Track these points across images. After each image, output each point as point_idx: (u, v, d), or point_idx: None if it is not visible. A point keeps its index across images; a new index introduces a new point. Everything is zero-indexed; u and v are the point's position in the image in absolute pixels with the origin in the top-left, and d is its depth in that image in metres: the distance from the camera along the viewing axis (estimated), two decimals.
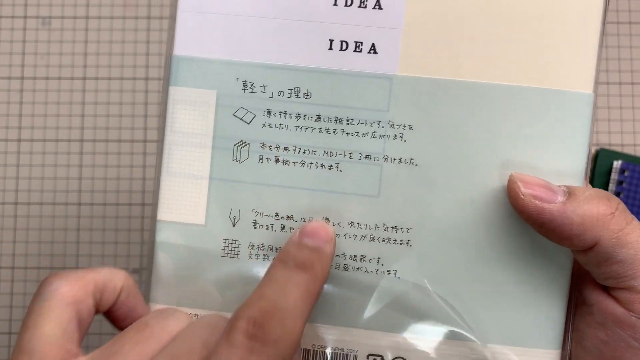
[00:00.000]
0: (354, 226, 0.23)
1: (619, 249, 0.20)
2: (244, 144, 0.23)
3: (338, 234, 0.23)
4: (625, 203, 0.44)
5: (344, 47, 0.22)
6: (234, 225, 0.23)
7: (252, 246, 0.23)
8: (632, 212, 0.44)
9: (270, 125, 0.23)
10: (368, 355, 0.23)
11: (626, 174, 0.44)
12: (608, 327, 0.21)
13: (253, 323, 0.18)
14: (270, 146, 0.23)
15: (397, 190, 0.22)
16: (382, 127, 0.22)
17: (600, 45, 0.22)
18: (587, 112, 0.22)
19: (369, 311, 0.23)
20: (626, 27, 0.47)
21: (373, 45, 0.22)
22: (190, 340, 0.20)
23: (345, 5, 0.22)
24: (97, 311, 0.22)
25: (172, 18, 0.23)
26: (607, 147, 0.46)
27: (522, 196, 0.21)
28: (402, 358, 0.23)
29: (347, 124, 0.22)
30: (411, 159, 0.22)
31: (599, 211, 0.20)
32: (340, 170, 0.22)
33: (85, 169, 0.47)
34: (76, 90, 0.47)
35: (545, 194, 0.21)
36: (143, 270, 0.46)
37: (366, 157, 0.22)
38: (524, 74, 0.22)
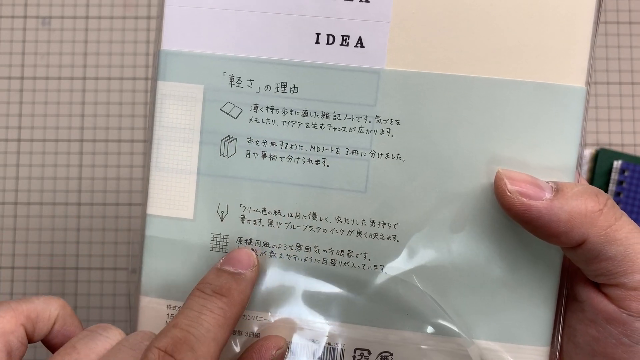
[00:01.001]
0: (341, 221, 0.22)
1: (608, 245, 0.20)
2: (231, 139, 0.23)
3: (325, 229, 0.22)
4: (625, 203, 0.44)
5: (330, 41, 0.22)
6: (222, 220, 0.23)
7: (240, 241, 0.23)
8: (632, 212, 0.44)
9: (257, 120, 0.23)
10: (355, 350, 0.23)
11: (626, 174, 0.44)
12: (599, 324, 0.21)
13: (164, 352, 0.19)
14: (257, 141, 0.23)
15: (384, 186, 0.22)
16: (369, 122, 0.22)
17: (594, 39, 0.22)
18: (579, 106, 0.22)
19: (356, 306, 0.23)
20: (626, 27, 0.47)
21: (360, 39, 0.22)
22: None
23: None
24: (30, 340, 0.23)
25: (160, 13, 0.23)
26: (607, 147, 0.46)
27: (508, 193, 0.21)
28: (389, 352, 0.22)
29: (334, 118, 0.22)
30: (398, 154, 0.22)
31: (587, 208, 0.20)
32: (328, 166, 0.22)
33: (85, 169, 0.47)
34: (76, 90, 0.47)
35: (532, 190, 0.20)
36: None
37: (353, 152, 0.22)
38: (514, 68, 0.21)
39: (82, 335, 0.22)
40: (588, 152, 0.46)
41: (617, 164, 0.45)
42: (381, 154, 0.22)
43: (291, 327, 0.22)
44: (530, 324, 0.22)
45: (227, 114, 0.23)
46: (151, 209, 0.24)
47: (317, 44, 0.22)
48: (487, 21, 0.21)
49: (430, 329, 0.22)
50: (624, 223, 0.20)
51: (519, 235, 0.22)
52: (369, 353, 0.23)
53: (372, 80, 0.22)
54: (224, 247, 0.23)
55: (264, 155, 0.23)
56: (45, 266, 0.46)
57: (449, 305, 0.22)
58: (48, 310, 0.23)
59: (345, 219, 0.22)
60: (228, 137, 0.23)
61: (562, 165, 0.22)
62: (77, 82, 0.47)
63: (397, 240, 0.22)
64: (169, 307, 0.24)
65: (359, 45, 0.22)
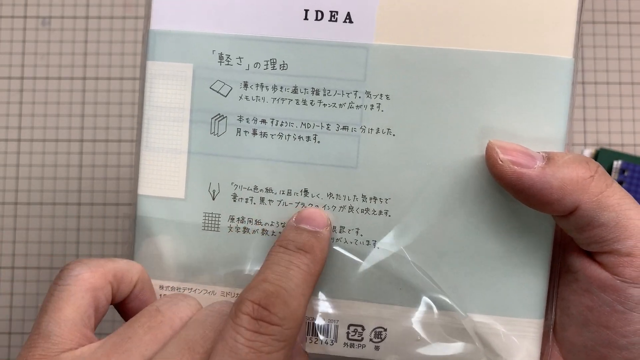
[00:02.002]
0: (333, 197, 0.22)
1: (600, 212, 0.20)
2: (222, 117, 0.23)
3: (317, 206, 0.22)
4: None
5: (319, 17, 0.22)
6: (213, 199, 0.23)
7: (232, 219, 0.23)
8: None
9: (247, 97, 0.22)
10: (349, 326, 0.23)
11: (626, 174, 0.44)
12: (593, 292, 0.21)
13: (258, 305, 0.19)
14: (247, 119, 0.23)
15: (375, 161, 0.22)
16: (359, 97, 0.22)
17: (580, 13, 0.22)
18: (567, 77, 0.22)
19: (349, 281, 0.23)
20: (626, 27, 0.47)
21: (348, 14, 0.22)
22: (203, 327, 0.20)
23: None
24: (112, 300, 0.23)
25: None
26: (607, 147, 0.46)
27: (500, 162, 0.21)
28: (383, 328, 0.22)
29: (324, 95, 0.22)
30: (389, 129, 0.22)
31: (578, 174, 0.20)
32: (318, 142, 0.22)
33: (85, 169, 0.47)
34: (76, 90, 0.47)
35: (524, 159, 0.21)
36: None
37: (344, 128, 0.22)
38: (502, 40, 0.21)
39: (164, 300, 0.21)
40: (588, 152, 0.46)
41: (617, 164, 0.45)
42: (371, 129, 0.22)
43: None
44: (524, 297, 0.22)
45: (217, 92, 0.23)
46: (142, 189, 0.23)
47: (305, 20, 0.22)
48: None
49: (423, 304, 0.22)
50: (615, 189, 0.20)
51: (511, 208, 0.22)
52: (363, 329, 0.23)
53: (360, 56, 0.22)
54: (216, 226, 0.23)
55: (254, 133, 0.23)
56: (45, 266, 0.46)
57: (442, 279, 0.22)
58: (131, 272, 0.22)
59: (337, 194, 0.22)
60: (218, 116, 0.23)
61: (552, 137, 0.22)
62: (77, 82, 0.47)
63: (389, 215, 0.22)
64: (161, 287, 0.24)
65: (347, 20, 0.22)
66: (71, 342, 0.20)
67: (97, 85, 0.47)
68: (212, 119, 0.23)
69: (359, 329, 0.22)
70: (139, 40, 0.48)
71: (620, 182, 0.44)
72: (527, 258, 0.22)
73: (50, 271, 0.46)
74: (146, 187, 0.23)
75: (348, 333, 0.22)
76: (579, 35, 0.22)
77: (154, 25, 0.23)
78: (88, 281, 0.21)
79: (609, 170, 0.45)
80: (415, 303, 0.22)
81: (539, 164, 0.20)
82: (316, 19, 0.22)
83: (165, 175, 0.23)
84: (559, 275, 0.23)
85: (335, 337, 0.22)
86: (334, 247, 0.23)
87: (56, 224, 0.46)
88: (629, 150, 0.46)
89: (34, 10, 0.48)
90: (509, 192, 0.21)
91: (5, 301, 0.46)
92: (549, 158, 0.21)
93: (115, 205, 0.46)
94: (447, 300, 0.22)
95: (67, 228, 0.46)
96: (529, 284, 0.22)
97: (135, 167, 0.24)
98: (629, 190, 0.44)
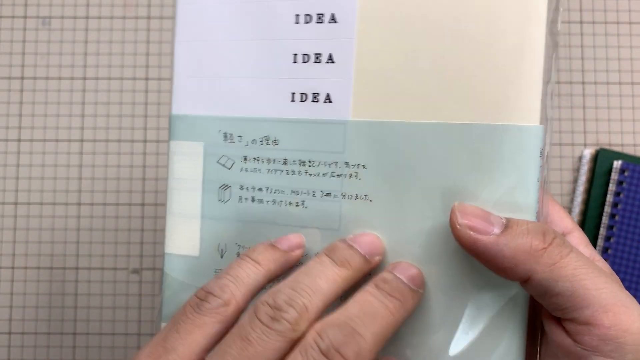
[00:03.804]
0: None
1: (554, 282, 0.20)
2: (227, 187, 0.26)
3: (302, 262, 0.24)
4: (625, 203, 0.44)
5: (303, 99, 0.25)
6: (221, 257, 0.26)
7: None
8: (632, 212, 0.44)
9: (246, 169, 0.26)
10: None
11: (626, 174, 0.44)
12: (560, 357, 0.21)
13: (331, 343, 0.20)
14: (247, 187, 0.26)
15: (355, 224, 0.24)
16: (339, 167, 0.24)
17: (546, 81, 0.23)
18: (535, 145, 0.22)
19: None
20: (626, 27, 0.47)
21: (328, 95, 0.25)
22: None
23: (303, 61, 0.25)
24: None
25: (171, 83, 0.27)
26: (607, 147, 0.46)
27: (457, 226, 0.21)
28: None
29: (309, 165, 0.25)
30: (366, 195, 0.24)
31: (531, 246, 0.21)
32: (306, 207, 0.25)
33: (85, 169, 0.47)
34: (76, 90, 0.47)
35: (481, 225, 0.21)
36: (143, 270, 0.46)
37: (327, 194, 0.25)
38: (468, 112, 0.23)
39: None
40: (588, 152, 0.46)
41: (617, 164, 0.45)
42: (351, 196, 0.24)
43: None
44: (501, 355, 0.23)
45: (223, 165, 0.26)
46: (168, 248, 0.27)
47: (292, 102, 0.25)
48: (439, 72, 0.23)
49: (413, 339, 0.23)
50: (571, 260, 0.21)
51: (481, 270, 0.23)
52: None
53: (339, 130, 0.24)
54: None
55: (252, 200, 0.26)
56: (45, 266, 0.46)
57: (420, 330, 0.23)
58: None
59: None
60: (224, 186, 0.26)
61: (523, 203, 0.22)
62: (77, 82, 0.47)
63: (369, 274, 0.24)
64: None
65: (327, 100, 0.25)
66: None
67: (97, 86, 0.47)
68: (219, 188, 0.26)
69: None
70: (139, 41, 0.48)
71: (620, 182, 0.44)
72: (501, 320, 0.23)
73: (51, 271, 0.46)
74: (170, 247, 0.27)
75: None
76: (548, 98, 0.23)
77: (174, 110, 0.27)
78: (223, 315, 0.22)
79: (609, 170, 0.45)
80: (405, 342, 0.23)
81: (495, 231, 0.21)
82: (301, 101, 0.25)
83: (183, 237, 0.27)
84: (541, 337, 0.23)
85: None
86: None
87: (56, 224, 0.46)
88: (629, 151, 0.46)
89: (34, 11, 0.48)
90: (470, 254, 0.22)
91: (5, 301, 0.46)
92: (507, 226, 0.21)
93: (115, 205, 0.46)
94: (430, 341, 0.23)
95: (67, 228, 0.46)
96: (506, 343, 0.23)
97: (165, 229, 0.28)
98: (628, 190, 0.44)
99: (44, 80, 0.47)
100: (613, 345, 0.20)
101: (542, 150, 0.23)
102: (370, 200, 0.24)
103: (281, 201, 0.25)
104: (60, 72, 0.47)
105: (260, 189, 0.26)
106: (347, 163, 0.24)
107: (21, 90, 0.47)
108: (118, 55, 0.48)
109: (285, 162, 0.25)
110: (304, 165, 0.25)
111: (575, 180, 0.46)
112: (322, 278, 0.22)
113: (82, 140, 0.47)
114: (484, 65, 0.23)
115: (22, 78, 0.47)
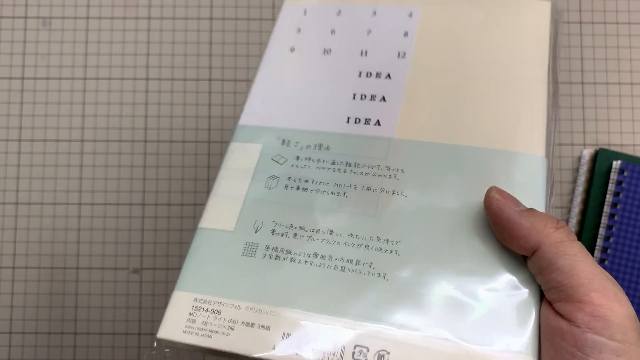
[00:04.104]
0: (353, 237, 0.27)
1: (558, 257, 0.23)
2: (275, 177, 0.29)
3: (339, 242, 0.27)
4: (625, 203, 0.44)
5: (357, 122, 0.30)
6: (255, 232, 0.28)
7: (267, 248, 0.27)
8: (632, 211, 0.44)
9: (297, 165, 0.30)
10: (355, 346, 0.24)
11: (625, 174, 0.44)
12: (556, 342, 0.23)
13: None
14: (294, 179, 0.29)
15: (389, 213, 0.27)
16: (381, 169, 0.29)
17: (551, 122, 0.28)
18: (540, 173, 0.27)
19: (358, 304, 0.25)
20: (625, 28, 0.47)
21: (378, 120, 0.30)
22: None
23: (361, 99, 0.31)
24: None
25: (245, 103, 0.32)
26: (606, 147, 0.46)
27: (492, 195, 0.25)
28: (386, 351, 0.24)
29: (355, 166, 0.29)
30: (402, 191, 0.28)
31: (546, 224, 0.24)
32: (346, 196, 0.28)
33: (85, 169, 0.47)
34: (77, 90, 0.47)
35: (511, 200, 0.25)
36: (143, 270, 0.46)
37: (367, 188, 0.28)
38: (488, 139, 0.29)
39: None
40: (587, 152, 0.46)
41: (616, 164, 0.45)
42: (389, 191, 0.28)
43: (295, 321, 0.25)
44: (516, 334, 0.24)
45: (276, 162, 0.30)
46: (202, 223, 0.29)
47: (347, 123, 0.30)
48: (463, 110, 0.29)
49: (427, 330, 0.24)
50: (576, 245, 0.24)
51: (503, 254, 0.26)
52: (368, 350, 0.24)
53: (385, 144, 0.29)
54: (253, 252, 0.27)
55: (297, 188, 0.29)
56: (46, 266, 0.46)
57: (440, 310, 0.25)
58: None
59: (357, 235, 0.27)
60: (273, 176, 0.29)
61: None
62: (77, 83, 0.47)
63: (398, 254, 0.26)
64: (195, 300, 0.26)
65: (377, 124, 0.30)
66: None
67: (98, 86, 0.47)
68: (267, 178, 0.29)
69: (364, 350, 0.24)
70: (139, 41, 0.48)
71: (620, 182, 0.44)
72: (513, 294, 0.25)
73: (51, 271, 0.46)
74: (206, 222, 0.29)
75: (354, 353, 0.24)
76: (550, 138, 0.28)
77: (241, 122, 0.32)
78: None
79: (608, 170, 0.45)
80: (420, 329, 0.24)
81: (520, 208, 0.25)
82: (355, 123, 0.30)
83: (222, 213, 0.29)
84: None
85: (342, 356, 0.24)
86: (350, 276, 0.26)
87: (57, 224, 0.46)
88: (628, 151, 0.46)
89: (35, 11, 0.48)
90: (491, 223, 0.26)
91: (5, 301, 0.46)
92: (531, 209, 0.25)
93: (115, 205, 0.46)
94: (445, 330, 0.24)
95: (67, 228, 0.46)
96: (519, 324, 0.24)
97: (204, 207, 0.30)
98: (628, 190, 0.44)
99: (44, 81, 0.47)
100: (602, 322, 0.22)
101: (545, 180, 0.27)
102: (405, 196, 0.27)
103: (324, 191, 0.28)
104: (61, 72, 0.48)
105: (306, 180, 0.29)
106: (388, 167, 0.28)
107: (22, 91, 0.47)
108: (118, 55, 0.48)
109: (333, 162, 0.29)
110: (350, 165, 0.29)
111: (574, 180, 0.46)
112: None
113: (82, 141, 0.47)
114: (502, 103, 0.29)
115: (23, 78, 0.48)
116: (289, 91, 0.32)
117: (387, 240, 0.27)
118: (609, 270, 0.44)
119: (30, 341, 0.45)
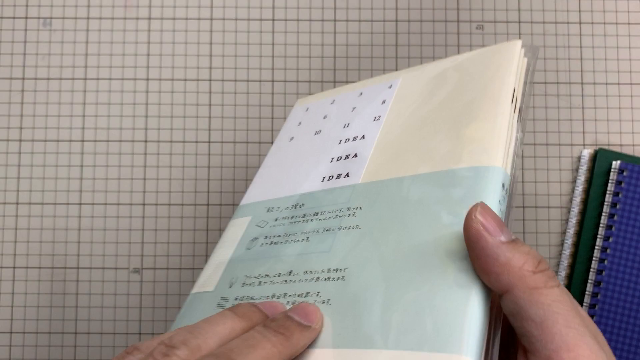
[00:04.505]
0: (307, 273, 0.28)
1: (529, 305, 0.21)
2: (255, 239, 0.33)
3: (294, 281, 0.29)
4: (624, 203, 0.44)
5: (330, 179, 0.33)
6: (230, 287, 0.30)
7: (236, 298, 0.30)
8: (631, 212, 0.44)
9: (274, 225, 0.33)
10: None
11: (625, 174, 0.45)
12: None
13: None
14: (269, 237, 0.32)
15: (342, 245, 0.29)
16: (342, 211, 0.30)
17: (511, 138, 0.28)
18: (497, 181, 0.27)
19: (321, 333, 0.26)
20: (625, 28, 0.47)
21: (347, 173, 0.33)
22: None
23: (337, 160, 0.34)
24: None
25: (249, 188, 0.37)
26: (605, 147, 0.46)
27: (473, 217, 0.22)
28: None
29: (320, 214, 0.31)
30: (357, 225, 0.29)
31: (523, 264, 0.21)
32: (309, 241, 0.30)
33: (86, 169, 0.47)
34: (77, 90, 0.47)
35: (493, 227, 0.22)
36: (143, 270, 0.46)
37: (327, 230, 0.30)
38: (435, 163, 0.29)
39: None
40: (587, 152, 0.46)
41: (615, 164, 0.45)
42: (346, 227, 0.29)
43: None
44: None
45: (259, 226, 0.33)
46: (192, 290, 0.32)
47: (322, 182, 0.33)
48: (418, 144, 0.31)
49: (367, 343, 0.24)
50: (553, 292, 0.21)
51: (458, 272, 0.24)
52: None
53: (349, 190, 0.32)
54: (224, 304, 0.30)
55: (270, 243, 0.32)
56: (46, 266, 0.46)
57: (385, 326, 0.24)
58: None
59: (311, 271, 0.28)
60: (254, 239, 0.33)
61: None
62: (78, 83, 0.48)
63: (344, 280, 0.27)
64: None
65: (346, 176, 0.33)
66: None
67: (98, 86, 0.47)
68: (249, 240, 0.33)
69: None
70: (139, 41, 0.48)
71: (619, 183, 0.44)
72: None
73: (52, 271, 0.46)
74: (195, 288, 0.32)
75: None
76: (514, 146, 0.28)
77: (240, 203, 0.37)
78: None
79: (608, 171, 0.45)
80: (355, 346, 0.24)
81: (502, 238, 0.22)
82: (328, 180, 0.33)
83: (209, 278, 0.32)
84: None
85: None
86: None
87: (57, 224, 0.46)
88: (627, 151, 0.46)
89: (36, 11, 0.48)
90: (467, 247, 0.23)
91: (6, 301, 0.46)
92: (513, 241, 0.22)
93: (116, 205, 0.46)
94: (379, 340, 0.24)
95: (68, 228, 0.46)
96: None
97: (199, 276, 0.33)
98: (627, 190, 0.44)
99: (45, 81, 0.48)
100: None
101: (504, 186, 0.26)
102: (360, 228, 0.29)
103: (292, 240, 0.31)
104: (62, 72, 0.48)
105: (279, 235, 0.32)
106: (349, 208, 0.30)
107: (22, 91, 0.47)
108: (119, 56, 0.48)
109: (304, 216, 0.32)
110: (317, 214, 0.31)
111: (574, 181, 0.46)
112: (221, 325, 0.24)
113: (83, 141, 0.47)
114: (449, 133, 0.30)
115: (24, 79, 0.48)
116: (282, 171, 0.37)
117: (336, 269, 0.27)
118: (609, 270, 0.44)
119: (31, 341, 0.45)
